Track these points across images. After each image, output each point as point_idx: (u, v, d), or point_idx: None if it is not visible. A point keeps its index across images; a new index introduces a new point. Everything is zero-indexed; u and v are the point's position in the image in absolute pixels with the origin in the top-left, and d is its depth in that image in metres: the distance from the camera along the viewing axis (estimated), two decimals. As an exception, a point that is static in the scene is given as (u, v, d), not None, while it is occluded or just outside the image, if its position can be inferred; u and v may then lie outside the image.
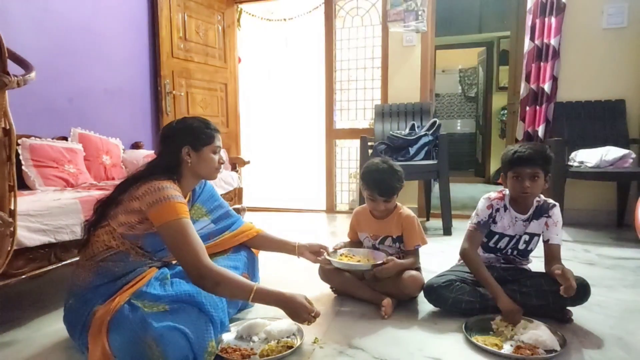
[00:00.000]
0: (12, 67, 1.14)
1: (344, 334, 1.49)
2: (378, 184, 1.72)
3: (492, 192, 1.72)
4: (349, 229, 1.95)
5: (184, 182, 1.45)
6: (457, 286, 1.61)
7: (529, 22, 3.30)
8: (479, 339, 1.40)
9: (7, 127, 1.11)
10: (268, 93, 5.30)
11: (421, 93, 3.64)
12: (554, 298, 1.49)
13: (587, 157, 2.87)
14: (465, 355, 1.34)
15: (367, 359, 1.33)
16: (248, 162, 3.34)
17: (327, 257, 1.71)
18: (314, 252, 1.73)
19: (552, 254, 1.60)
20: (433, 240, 2.80)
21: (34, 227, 1.53)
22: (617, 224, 3.15)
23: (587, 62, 3.21)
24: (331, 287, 1.87)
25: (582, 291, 1.50)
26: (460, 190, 5.21)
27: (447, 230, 2.98)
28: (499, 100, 6.15)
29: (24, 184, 2.16)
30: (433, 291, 1.63)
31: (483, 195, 1.73)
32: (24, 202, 1.54)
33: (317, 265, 1.84)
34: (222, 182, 2.85)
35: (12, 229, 1.16)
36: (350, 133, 3.95)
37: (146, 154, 2.86)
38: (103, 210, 1.36)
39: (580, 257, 2.40)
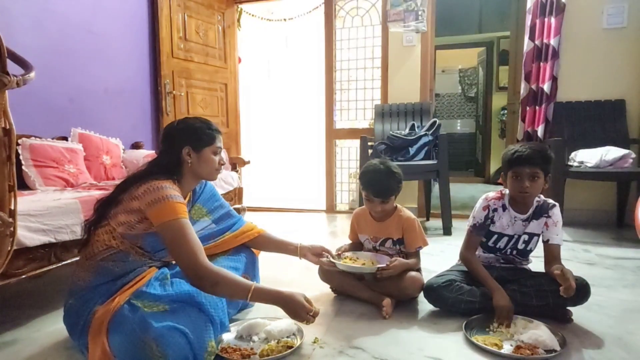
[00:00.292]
0: (12, 67, 1.14)
1: (344, 334, 1.49)
2: (374, 184, 1.72)
3: (491, 192, 1.72)
4: (350, 230, 1.95)
5: (184, 182, 1.45)
6: (457, 286, 1.61)
7: (528, 22, 3.30)
8: (478, 339, 1.40)
9: (7, 127, 1.11)
10: (268, 93, 5.29)
11: (421, 93, 3.64)
12: (554, 298, 1.49)
13: (587, 157, 2.87)
14: (465, 355, 1.34)
15: (367, 359, 1.33)
16: (248, 162, 3.34)
17: (332, 260, 1.72)
18: (316, 254, 1.72)
19: (552, 254, 1.60)
20: (433, 240, 2.80)
21: (34, 227, 1.53)
22: (617, 224, 3.15)
23: (587, 62, 3.21)
24: (331, 287, 1.86)
25: (582, 291, 1.50)
26: (460, 190, 5.21)
27: (447, 230, 2.98)
28: (498, 100, 6.15)
29: (24, 184, 2.16)
30: (433, 291, 1.63)
31: (482, 196, 1.73)
32: (24, 202, 1.54)
33: (318, 265, 1.84)
34: (222, 182, 2.85)
35: (12, 229, 1.16)
36: (350, 133, 3.95)
37: (146, 154, 2.86)
38: (103, 209, 1.36)
39: (580, 257, 2.40)
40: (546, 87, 3.17)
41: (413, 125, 3.27)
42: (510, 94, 5.01)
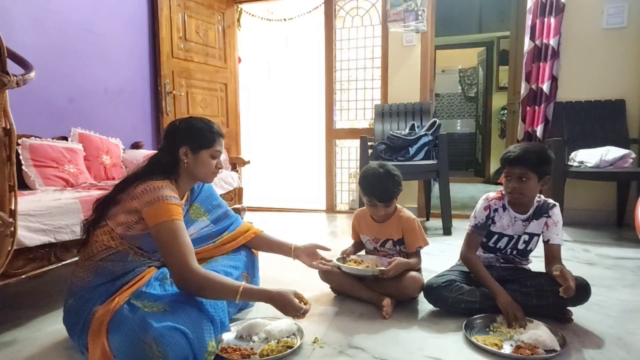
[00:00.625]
0: (12, 67, 1.14)
1: (344, 334, 1.49)
2: (376, 189, 1.72)
3: (491, 192, 1.72)
4: (352, 231, 1.95)
5: (180, 181, 1.44)
6: (457, 286, 1.61)
7: (528, 22, 3.31)
8: (478, 339, 1.40)
9: (8, 127, 1.11)
10: (268, 93, 5.29)
11: (421, 93, 3.64)
12: (554, 298, 1.49)
13: (587, 157, 2.87)
14: (465, 355, 1.34)
15: (367, 359, 1.33)
16: (248, 162, 3.34)
17: (337, 263, 1.74)
18: (311, 254, 1.71)
19: (552, 254, 1.60)
20: (433, 240, 2.80)
21: (34, 227, 1.53)
22: (617, 224, 3.15)
23: (587, 62, 3.21)
24: (331, 287, 1.87)
25: (582, 291, 1.50)
26: (460, 190, 5.21)
27: (447, 230, 2.98)
28: (498, 100, 6.15)
29: (24, 184, 2.16)
30: (433, 291, 1.63)
31: (482, 196, 1.73)
32: (24, 202, 1.54)
33: (311, 268, 1.84)
34: (222, 182, 2.85)
35: (12, 229, 1.16)
36: (350, 133, 3.95)
37: (146, 154, 2.86)
38: (102, 209, 1.36)
39: (580, 257, 2.40)
40: (546, 87, 3.17)
41: (413, 125, 3.27)
42: (510, 94, 5.01)
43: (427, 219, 3.55)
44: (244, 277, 1.61)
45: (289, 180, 5.11)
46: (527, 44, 3.31)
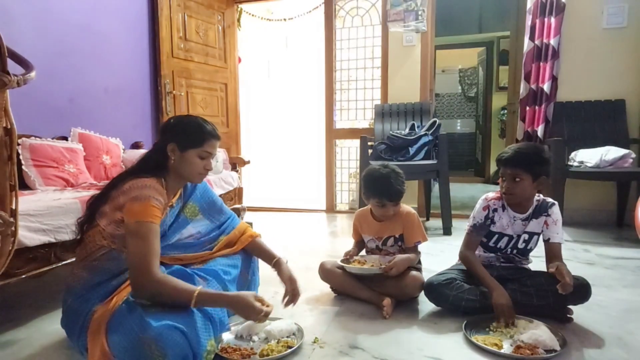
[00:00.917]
0: (13, 67, 1.14)
1: (344, 334, 1.49)
2: (385, 189, 1.72)
3: (490, 193, 1.72)
4: (353, 231, 1.95)
5: (169, 180, 1.42)
6: (457, 284, 1.61)
7: (528, 22, 3.31)
8: (478, 339, 1.40)
9: (9, 127, 1.11)
10: (268, 93, 5.29)
11: (421, 93, 3.64)
12: (555, 297, 1.49)
13: (587, 157, 2.87)
14: (465, 355, 1.34)
15: (367, 359, 1.33)
16: (248, 162, 3.34)
17: (340, 263, 1.75)
18: (283, 281, 1.60)
19: (553, 253, 1.60)
20: (433, 240, 2.80)
21: (34, 226, 1.53)
22: (617, 223, 3.15)
23: (587, 62, 3.21)
24: (331, 287, 1.87)
25: (582, 291, 1.51)
26: (460, 190, 5.21)
27: (447, 230, 2.99)
28: (498, 100, 6.15)
29: (24, 184, 2.16)
30: (433, 289, 1.63)
31: (482, 196, 1.73)
32: (24, 202, 1.54)
33: (318, 265, 1.86)
34: (222, 182, 2.85)
35: (13, 228, 1.16)
36: (350, 133, 3.95)
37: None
38: (94, 207, 1.36)
39: (580, 257, 2.40)
40: (546, 87, 3.18)
41: (413, 125, 3.27)
42: (510, 94, 5.01)
43: (427, 219, 3.55)
44: (243, 276, 1.59)
45: (289, 180, 5.11)
46: (527, 44, 3.31)
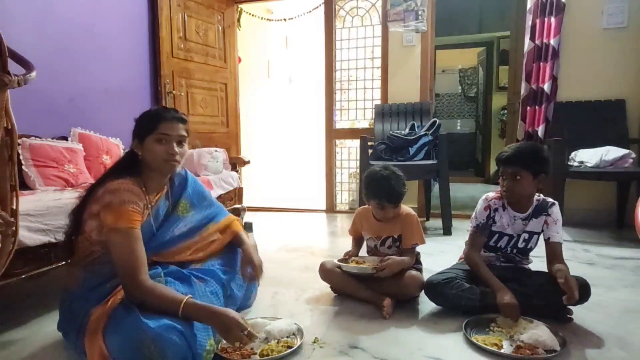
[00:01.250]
0: (13, 67, 1.14)
1: (344, 334, 1.49)
2: (386, 191, 1.72)
3: (491, 192, 1.73)
4: (351, 226, 1.95)
5: (145, 178, 1.39)
6: (457, 284, 1.61)
7: (529, 22, 3.31)
8: (478, 339, 1.40)
9: (9, 127, 1.10)
10: (268, 93, 5.29)
11: (421, 93, 3.64)
12: (554, 297, 1.49)
13: (587, 157, 2.87)
14: (465, 355, 1.34)
15: (367, 359, 1.33)
16: (248, 162, 3.34)
17: (337, 262, 1.76)
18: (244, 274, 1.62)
19: (553, 252, 1.61)
20: (433, 240, 2.81)
21: (34, 227, 1.53)
22: (617, 224, 3.15)
23: (587, 62, 3.21)
24: (331, 287, 1.87)
25: (582, 291, 1.50)
26: (460, 190, 5.21)
27: (447, 230, 2.99)
28: (498, 100, 6.15)
29: (24, 184, 2.16)
30: (433, 288, 1.64)
31: (482, 196, 1.73)
32: (24, 202, 1.54)
33: (318, 265, 1.86)
34: (222, 182, 2.85)
35: (13, 228, 1.16)
36: (350, 133, 3.95)
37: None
38: (76, 216, 1.35)
39: (580, 256, 2.40)
40: (546, 87, 3.17)
41: (413, 125, 3.27)
42: (510, 94, 5.01)
43: (427, 219, 3.55)
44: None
45: (289, 180, 5.11)
46: (527, 44, 3.31)
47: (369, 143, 3.21)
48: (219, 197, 2.74)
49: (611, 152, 2.79)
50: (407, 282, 1.66)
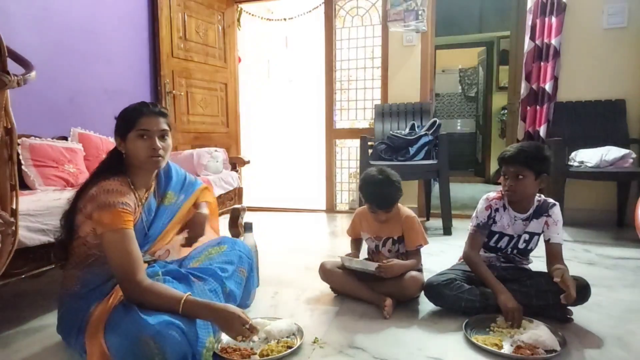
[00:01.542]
0: (12, 66, 1.14)
1: (344, 334, 1.49)
2: (376, 197, 1.73)
3: (492, 192, 1.73)
4: (350, 227, 1.95)
5: (132, 175, 1.38)
6: (457, 285, 1.61)
7: (529, 22, 3.30)
8: (479, 339, 1.40)
9: (9, 127, 1.10)
10: (268, 93, 5.29)
11: (421, 93, 3.64)
12: (554, 298, 1.49)
13: (587, 157, 2.87)
14: (465, 355, 1.34)
15: (367, 359, 1.33)
16: (248, 162, 3.33)
17: (340, 257, 1.76)
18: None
19: (553, 253, 1.60)
20: (433, 240, 2.80)
21: (34, 226, 1.53)
22: (617, 223, 3.15)
23: (588, 62, 3.21)
24: (331, 287, 1.86)
25: (582, 291, 1.50)
26: (460, 190, 5.21)
27: (447, 230, 2.98)
28: (499, 100, 6.15)
29: (24, 184, 2.16)
30: (433, 289, 1.63)
31: (483, 196, 1.73)
32: (24, 202, 1.54)
33: (318, 265, 1.85)
34: (222, 182, 2.85)
35: (13, 228, 1.16)
36: (350, 133, 3.95)
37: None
38: (68, 222, 1.34)
39: (580, 256, 2.40)
40: (548, 86, 3.17)
41: (413, 125, 3.27)
42: (510, 94, 5.01)
43: (427, 219, 3.55)
44: (240, 273, 1.58)
45: (289, 180, 5.11)
46: (527, 44, 3.31)
47: (369, 143, 3.21)
48: (219, 197, 2.74)
49: (611, 152, 2.79)
50: (407, 282, 1.66)
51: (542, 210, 1.63)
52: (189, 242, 1.58)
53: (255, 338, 1.39)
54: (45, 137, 2.44)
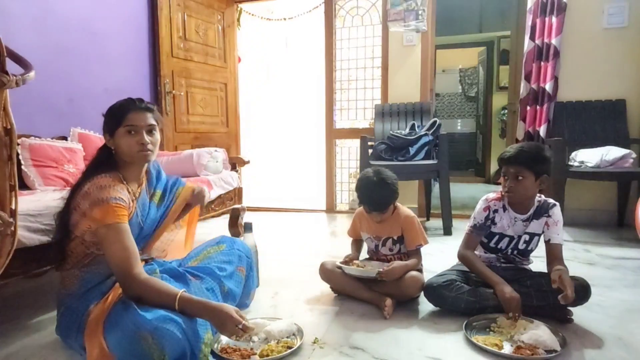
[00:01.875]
0: (12, 66, 1.13)
1: (344, 334, 1.49)
2: (369, 199, 1.73)
3: (491, 193, 1.72)
4: (350, 227, 1.95)
5: (124, 171, 1.39)
6: (457, 286, 1.61)
7: (529, 22, 3.30)
8: (479, 339, 1.39)
9: (8, 127, 1.10)
10: (268, 93, 5.29)
11: (421, 93, 3.64)
12: (554, 298, 1.49)
13: (588, 157, 2.87)
14: (465, 355, 1.34)
15: (367, 359, 1.33)
16: (248, 162, 3.33)
17: (339, 264, 1.76)
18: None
19: (553, 254, 1.60)
20: (433, 240, 2.80)
21: (33, 227, 1.52)
22: (618, 224, 3.14)
23: (588, 62, 3.21)
24: (331, 287, 1.86)
25: (582, 291, 1.50)
26: (460, 190, 5.21)
27: (447, 230, 2.98)
28: (499, 100, 6.15)
29: (23, 184, 2.16)
30: (433, 290, 1.63)
31: (482, 197, 1.73)
32: (23, 202, 1.53)
33: (318, 265, 1.85)
34: (222, 182, 2.84)
35: (12, 228, 1.16)
36: (350, 133, 3.95)
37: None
38: (63, 223, 1.34)
39: (581, 257, 2.40)
40: (547, 87, 3.17)
41: (413, 125, 3.27)
42: (510, 94, 5.01)
43: (427, 219, 3.55)
44: (239, 272, 1.58)
45: (289, 180, 5.10)
46: (528, 44, 3.30)
47: (369, 143, 3.21)
48: (219, 197, 2.74)
49: (612, 152, 2.79)
50: (407, 282, 1.66)
51: (542, 211, 1.63)
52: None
53: (255, 338, 1.40)
54: (45, 137, 2.44)
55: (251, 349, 1.34)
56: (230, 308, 1.23)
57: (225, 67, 3.98)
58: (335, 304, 1.77)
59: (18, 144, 2.17)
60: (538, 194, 1.65)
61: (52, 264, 1.56)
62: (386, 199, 1.72)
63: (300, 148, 5.20)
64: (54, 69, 2.59)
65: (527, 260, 1.74)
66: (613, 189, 3.17)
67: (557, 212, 1.63)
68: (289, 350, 1.33)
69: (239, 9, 4.38)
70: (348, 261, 1.81)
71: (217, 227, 3.11)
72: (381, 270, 1.66)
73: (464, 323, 1.48)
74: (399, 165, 2.93)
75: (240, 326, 1.20)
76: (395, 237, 1.80)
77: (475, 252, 1.72)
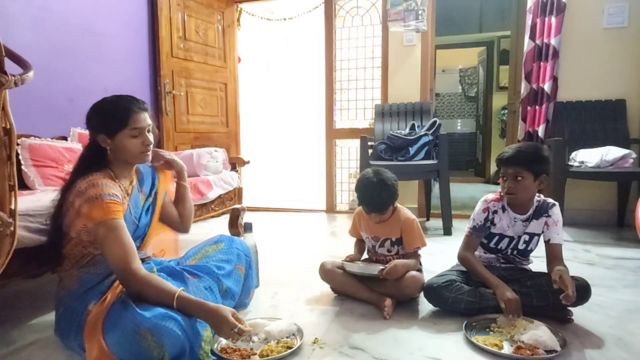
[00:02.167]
0: (11, 66, 1.13)
1: (344, 334, 1.49)
2: (368, 200, 1.72)
3: (490, 194, 1.72)
4: (351, 227, 1.95)
5: (116, 169, 1.39)
6: (457, 286, 1.61)
7: (529, 22, 3.30)
8: (479, 339, 1.39)
9: (8, 127, 1.10)
10: (268, 93, 5.29)
11: (421, 93, 3.64)
12: (555, 298, 1.49)
13: (588, 157, 2.87)
14: (465, 355, 1.34)
15: (367, 359, 1.33)
16: (248, 162, 3.33)
17: (340, 262, 1.76)
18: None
19: (553, 254, 1.60)
20: (433, 240, 2.80)
21: (33, 227, 1.52)
22: (618, 224, 3.14)
23: (588, 61, 3.21)
24: (331, 287, 1.86)
25: (582, 292, 1.50)
26: (460, 190, 5.21)
27: (447, 230, 2.98)
28: (499, 100, 6.15)
29: (23, 184, 2.15)
30: (433, 291, 1.63)
31: (482, 198, 1.73)
32: (23, 202, 1.53)
33: (318, 265, 1.85)
34: (222, 182, 2.84)
35: (12, 228, 1.16)
36: (350, 133, 3.94)
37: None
38: (57, 226, 1.34)
39: (581, 257, 2.40)
40: (547, 86, 3.17)
41: (413, 125, 3.27)
42: (510, 94, 5.01)
43: (427, 219, 3.55)
44: (238, 270, 1.58)
45: (289, 180, 5.10)
46: (528, 44, 3.30)
47: (369, 143, 3.21)
48: (219, 197, 2.74)
49: (612, 152, 2.79)
50: (407, 282, 1.66)
51: (542, 211, 1.63)
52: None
53: (255, 338, 1.40)
54: (45, 137, 2.44)
55: (251, 349, 1.34)
56: (227, 311, 1.22)
57: (225, 67, 3.97)
58: (335, 304, 1.77)
59: (18, 144, 2.17)
60: (537, 194, 1.65)
61: (49, 267, 1.56)
62: (385, 200, 1.72)
63: (300, 148, 5.20)
64: (54, 69, 2.59)
65: (527, 260, 1.74)
66: (613, 189, 3.17)
67: (556, 212, 1.63)
68: (289, 351, 1.33)
69: (239, 9, 4.38)
70: (349, 261, 1.81)
71: (217, 227, 3.11)
72: (383, 268, 1.66)
73: (464, 323, 1.48)
74: (399, 166, 2.93)
75: (236, 330, 1.19)
76: (393, 239, 1.80)
77: (475, 252, 1.72)
